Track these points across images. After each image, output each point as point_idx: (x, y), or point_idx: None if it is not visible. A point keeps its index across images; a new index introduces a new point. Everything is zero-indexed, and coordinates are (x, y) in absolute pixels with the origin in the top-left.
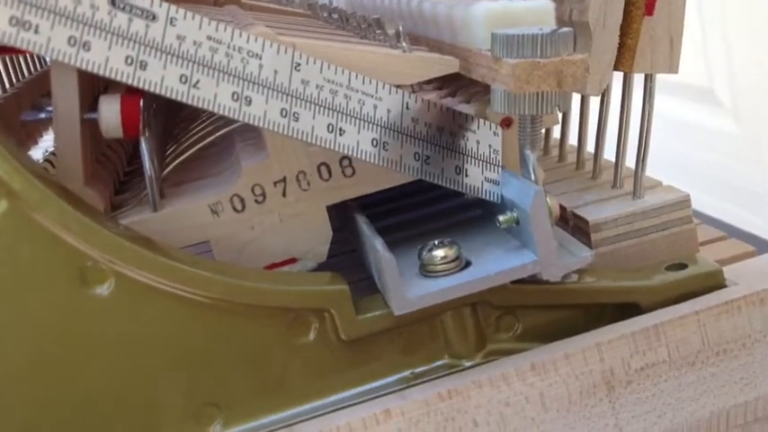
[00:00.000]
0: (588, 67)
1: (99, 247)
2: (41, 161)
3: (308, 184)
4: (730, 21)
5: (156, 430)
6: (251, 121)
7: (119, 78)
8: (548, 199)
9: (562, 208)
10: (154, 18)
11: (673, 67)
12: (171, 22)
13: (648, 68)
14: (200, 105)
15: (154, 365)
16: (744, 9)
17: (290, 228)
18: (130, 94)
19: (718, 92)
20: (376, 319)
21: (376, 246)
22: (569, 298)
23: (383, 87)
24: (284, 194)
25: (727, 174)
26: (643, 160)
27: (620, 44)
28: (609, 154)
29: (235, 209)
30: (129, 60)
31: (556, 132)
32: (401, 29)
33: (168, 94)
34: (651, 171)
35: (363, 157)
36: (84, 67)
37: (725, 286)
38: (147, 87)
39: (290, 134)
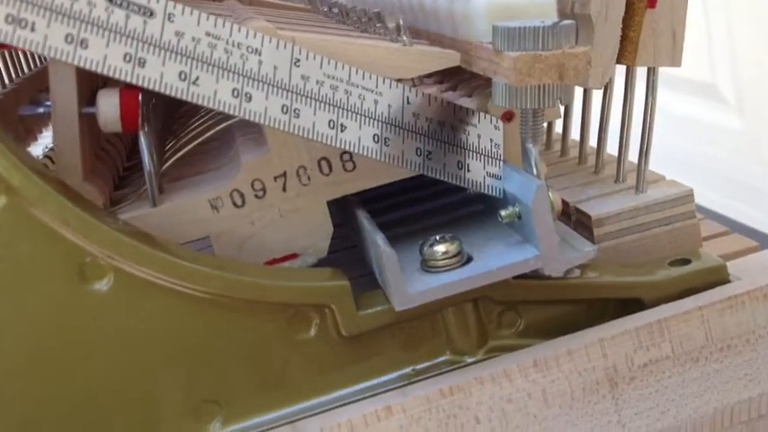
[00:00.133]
0: (590, 60)
1: (98, 243)
2: (41, 157)
3: (309, 178)
4: (734, 15)
5: (155, 426)
6: (252, 118)
7: (117, 76)
8: (550, 193)
9: (564, 203)
10: (151, 14)
11: (675, 61)
12: (169, 18)
13: (651, 62)
14: (200, 103)
15: (153, 361)
16: (748, 3)
17: (291, 223)
18: (129, 88)
19: (721, 87)
20: (377, 315)
21: (377, 241)
22: (572, 293)
23: (383, 82)
24: (284, 189)
25: (730, 169)
26: (646, 154)
27: (622, 37)
28: (612, 148)
29: (235, 204)
30: (127, 58)
31: (558, 126)
32: (401, 22)
33: (168, 92)
34: (654, 166)
35: (365, 153)
36: (82, 65)
37: (728, 281)
38: (146, 85)
39: (292, 131)
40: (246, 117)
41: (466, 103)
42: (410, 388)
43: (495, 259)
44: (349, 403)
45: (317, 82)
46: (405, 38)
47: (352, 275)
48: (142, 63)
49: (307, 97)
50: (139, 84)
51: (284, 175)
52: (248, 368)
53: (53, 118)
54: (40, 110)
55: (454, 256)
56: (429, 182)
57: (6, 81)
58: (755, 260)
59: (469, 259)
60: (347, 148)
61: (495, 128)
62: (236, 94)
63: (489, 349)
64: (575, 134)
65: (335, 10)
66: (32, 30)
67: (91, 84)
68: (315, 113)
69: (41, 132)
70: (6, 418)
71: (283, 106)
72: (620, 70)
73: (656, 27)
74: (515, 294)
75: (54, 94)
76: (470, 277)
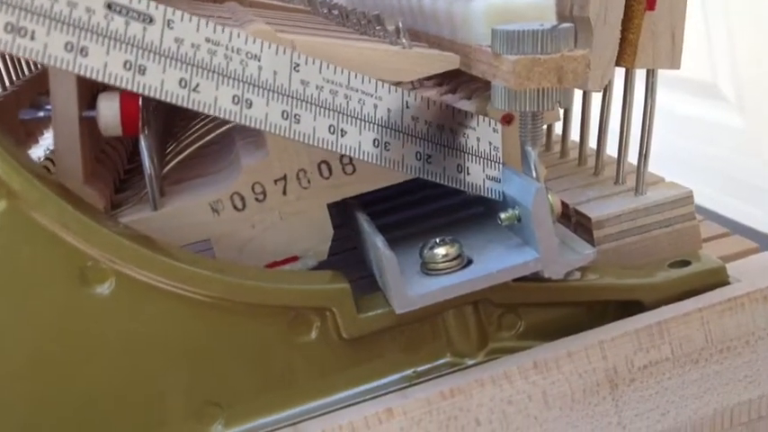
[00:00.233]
0: (589, 62)
1: (99, 247)
2: (42, 160)
3: (309, 182)
4: (734, 14)
5: (157, 429)
6: (253, 125)
7: (118, 84)
8: (549, 196)
9: (564, 205)
10: (151, 21)
11: (674, 63)
12: (168, 25)
13: (650, 64)
14: (201, 110)
15: (154, 364)
16: (747, 2)
17: (291, 226)
18: (130, 92)
19: (721, 86)
20: (377, 318)
21: (377, 244)
22: (572, 295)
23: (382, 86)
24: (285, 192)
25: (731, 168)
26: (645, 156)
27: (621, 39)
28: (611, 150)
29: (235, 207)
30: (127, 65)
31: (558, 128)
32: (401, 25)
33: (169, 99)
34: (654, 166)
35: (365, 159)
36: (82, 73)
37: (728, 283)
38: (147, 92)
39: (292, 136)
40: (247, 124)
41: (465, 105)
42: (411, 390)
43: (495, 262)
44: (350, 405)
45: (317, 87)
46: (404, 40)
47: (352, 278)
48: (142, 70)
49: (307, 102)
50: (140, 91)
51: (284, 178)
52: (250, 371)
53: (53, 122)
54: (41, 114)
55: (454, 258)
56: (429, 184)
57: (7, 83)
58: (755, 262)
59: (469, 262)
60: (348, 153)
61: (494, 131)
62: (236, 100)
63: (489, 351)
64: (574, 135)
65: (335, 12)
66: (32, 38)
67: (91, 87)
68: (315, 119)
69: (42, 135)
70: (8, 421)
71: (284, 112)
72: (620, 72)
73: (656, 29)
74: (515, 297)
75: (54, 98)
76: (470, 280)
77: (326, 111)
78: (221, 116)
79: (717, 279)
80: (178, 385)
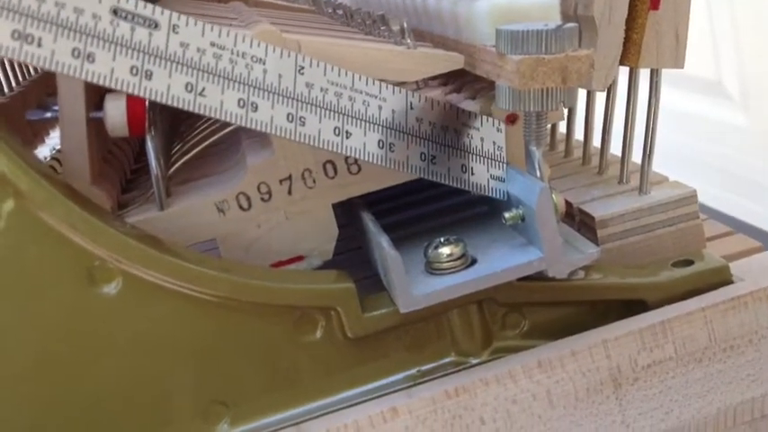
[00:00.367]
0: (593, 62)
1: (106, 247)
2: (48, 158)
3: (314, 181)
4: (739, 12)
5: (163, 428)
6: (258, 128)
7: (125, 89)
8: (553, 195)
9: (568, 204)
10: (156, 26)
11: (678, 62)
12: (173, 30)
13: (654, 63)
14: (207, 114)
15: (161, 364)
16: (752, 0)
17: (296, 226)
18: None
19: (726, 84)
20: (382, 317)
21: (382, 243)
22: (575, 295)
23: (387, 88)
24: (290, 192)
25: (735, 167)
26: (649, 156)
27: (625, 39)
28: (615, 149)
29: (241, 207)
30: (134, 70)
31: (562, 127)
32: (405, 25)
33: (175, 104)
34: (659, 164)
35: (371, 160)
36: (89, 78)
37: (731, 282)
38: (153, 97)
39: (298, 139)
40: (253, 127)
41: (470, 105)
42: (415, 389)
43: (500, 261)
44: (355, 404)
45: (322, 89)
46: (409, 40)
47: (357, 277)
48: (149, 75)
49: (312, 105)
50: (147, 96)
51: (290, 178)
52: (255, 370)
53: (61, 123)
54: (48, 115)
55: (459, 258)
56: (433, 183)
57: (14, 84)
58: (759, 261)
59: (474, 261)
60: (353, 154)
61: (498, 130)
62: (242, 104)
63: (494, 350)
64: (578, 135)
65: (340, 12)
66: (39, 45)
67: (98, 88)
68: (320, 121)
69: (49, 134)
70: (15, 421)
71: (289, 114)
72: (624, 71)
73: (659, 29)
74: (519, 296)
75: (62, 99)
76: (475, 279)
77: (331, 113)
78: (227, 120)
79: (720, 278)
80: (185, 384)
